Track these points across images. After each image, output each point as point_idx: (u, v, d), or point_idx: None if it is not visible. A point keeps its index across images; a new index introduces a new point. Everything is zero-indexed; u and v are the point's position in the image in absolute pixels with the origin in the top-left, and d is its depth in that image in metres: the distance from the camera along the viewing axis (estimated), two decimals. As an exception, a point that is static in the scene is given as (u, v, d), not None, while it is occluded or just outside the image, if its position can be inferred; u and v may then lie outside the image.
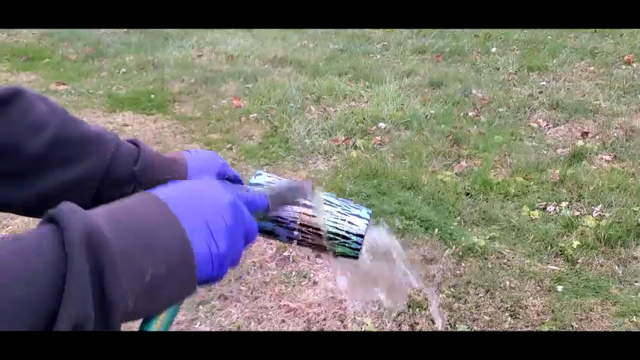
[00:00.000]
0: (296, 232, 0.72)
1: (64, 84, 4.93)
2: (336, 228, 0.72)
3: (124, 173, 0.71)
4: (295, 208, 0.71)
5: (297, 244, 0.73)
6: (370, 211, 0.74)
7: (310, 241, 0.72)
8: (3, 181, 0.65)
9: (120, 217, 0.45)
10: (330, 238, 0.72)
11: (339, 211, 0.73)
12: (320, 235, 0.72)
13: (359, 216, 0.73)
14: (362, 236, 0.72)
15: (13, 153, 0.63)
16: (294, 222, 0.71)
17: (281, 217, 0.71)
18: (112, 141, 0.71)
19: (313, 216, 0.71)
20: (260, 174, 0.78)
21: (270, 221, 0.71)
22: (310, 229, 0.71)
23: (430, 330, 2.06)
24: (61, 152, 0.67)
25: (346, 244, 0.72)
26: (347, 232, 0.71)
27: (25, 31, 7.16)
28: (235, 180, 0.81)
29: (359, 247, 0.72)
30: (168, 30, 6.80)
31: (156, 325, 0.48)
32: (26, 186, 0.65)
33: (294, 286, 2.30)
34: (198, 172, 0.77)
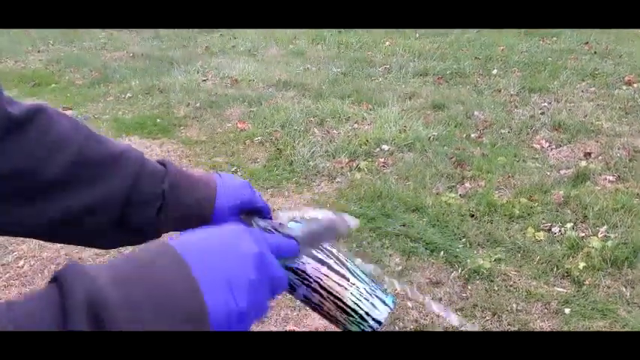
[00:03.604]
0: (316, 295, 0.66)
1: (70, 109, 4.99)
2: (358, 305, 0.66)
3: (148, 193, 0.68)
4: (322, 269, 0.66)
5: (311, 307, 0.69)
6: (395, 300, 0.69)
7: (326, 309, 0.67)
8: (17, 204, 0.62)
9: (129, 276, 0.43)
10: (348, 313, 0.67)
11: (365, 289, 0.67)
12: (338, 306, 0.67)
13: (384, 302, 0.67)
14: (380, 323, 0.67)
15: (30, 176, 0.62)
16: (318, 282, 0.66)
17: (306, 274, 0.66)
18: (136, 159, 0.68)
19: (339, 284, 0.66)
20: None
21: (293, 272, 0.66)
22: (331, 297, 0.66)
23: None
24: (82, 173, 0.64)
25: (360, 325, 0.67)
26: (367, 313, 0.66)
27: (32, 57, 7.26)
28: (264, 211, 0.76)
29: (372, 331, 0.67)
30: (173, 54, 6.89)
31: None
32: (40, 210, 0.63)
33: (299, 310, 2.29)
34: (226, 200, 0.73)
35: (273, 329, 2.19)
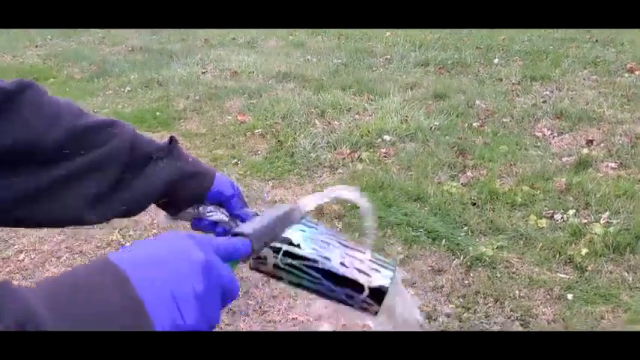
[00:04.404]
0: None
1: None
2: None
3: (148, 147, 0.71)
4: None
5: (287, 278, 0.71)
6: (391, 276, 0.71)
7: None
8: (20, 176, 0.63)
9: (66, 298, 0.39)
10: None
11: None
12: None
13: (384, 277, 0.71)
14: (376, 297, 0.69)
15: (30, 147, 0.62)
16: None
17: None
18: (128, 126, 0.72)
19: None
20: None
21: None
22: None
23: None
24: (81, 140, 0.66)
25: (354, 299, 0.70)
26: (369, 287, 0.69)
27: (29, 52, 7.24)
28: (234, 215, 0.80)
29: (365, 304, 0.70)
30: (172, 47, 6.86)
31: None
32: (40, 180, 0.64)
33: (302, 299, 2.29)
34: (225, 180, 0.79)
35: (277, 319, 2.19)
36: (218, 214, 0.79)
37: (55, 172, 0.64)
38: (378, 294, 0.69)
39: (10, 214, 0.64)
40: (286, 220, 0.67)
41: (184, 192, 0.76)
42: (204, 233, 0.81)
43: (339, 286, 0.69)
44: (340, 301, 0.71)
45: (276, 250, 0.70)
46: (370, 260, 0.72)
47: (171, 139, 0.76)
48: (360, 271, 0.70)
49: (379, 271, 0.71)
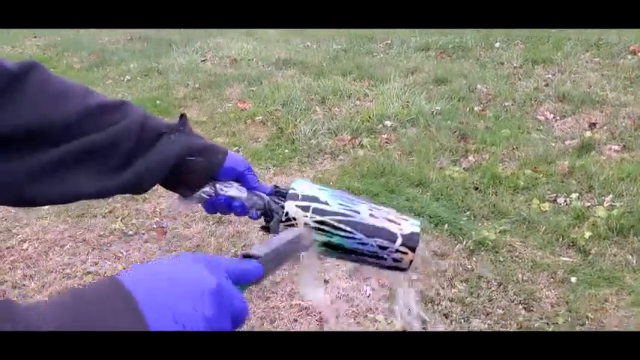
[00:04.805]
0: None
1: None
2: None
3: (160, 124, 0.72)
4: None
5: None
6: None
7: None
8: (36, 151, 0.63)
9: (70, 322, 0.38)
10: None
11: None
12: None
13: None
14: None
15: (40, 127, 0.62)
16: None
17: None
18: (137, 106, 0.72)
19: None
20: (296, 181, 0.76)
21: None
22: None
23: (444, 325, 2.04)
24: (91, 119, 0.66)
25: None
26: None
27: (29, 42, 7.21)
28: (251, 188, 0.78)
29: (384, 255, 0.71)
30: (172, 36, 6.82)
31: None
32: (58, 152, 0.64)
33: (305, 285, 2.29)
34: (238, 156, 0.78)
35: (280, 305, 2.19)
36: (233, 190, 0.77)
37: (67, 148, 0.64)
38: (411, 241, 0.69)
39: (23, 193, 0.64)
40: (299, 243, 0.65)
41: (196, 167, 0.74)
42: (221, 214, 0.80)
43: (372, 237, 0.69)
44: (372, 256, 0.70)
45: (305, 209, 0.70)
46: (396, 213, 0.73)
47: (182, 116, 0.75)
48: (390, 220, 0.70)
49: (408, 220, 0.72)
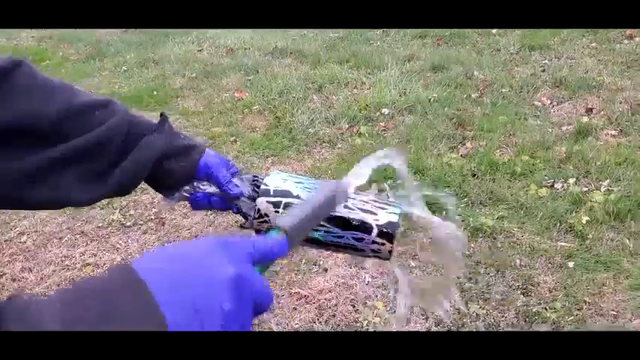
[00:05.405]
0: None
1: (65, 85, 4.94)
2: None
3: (145, 125, 0.71)
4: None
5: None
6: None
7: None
8: (23, 152, 0.62)
9: (82, 316, 0.37)
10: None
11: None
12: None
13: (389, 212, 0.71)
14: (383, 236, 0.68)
15: (29, 124, 0.61)
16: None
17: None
18: (121, 106, 0.72)
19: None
20: (271, 175, 0.74)
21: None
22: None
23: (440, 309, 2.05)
24: (77, 119, 0.65)
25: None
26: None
27: (24, 34, 7.16)
28: (220, 189, 0.78)
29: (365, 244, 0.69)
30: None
31: None
32: (45, 155, 0.63)
33: (304, 273, 2.30)
34: (214, 155, 0.78)
35: (279, 293, 2.20)
36: (212, 187, 0.78)
37: (52, 152, 0.63)
38: (388, 231, 0.67)
39: (10, 195, 0.63)
40: (329, 207, 0.62)
41: (173, 168, 0.75)
42: (204, 210, 0.80)
43: (347, 230, 0.67)
44: (351, 248, 0.68)
45: (277, 205, 0.69)
46: (374, 200, 0.70)
47: (162, 115, 0.75)
48: (365, 211, 0.67)
49: (385, 209, 0.69)
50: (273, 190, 0.71)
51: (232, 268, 0.44)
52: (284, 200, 0.69)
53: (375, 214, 0.67)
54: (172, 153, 0.74)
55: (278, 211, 0.69)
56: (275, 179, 0.73)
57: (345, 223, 0.67)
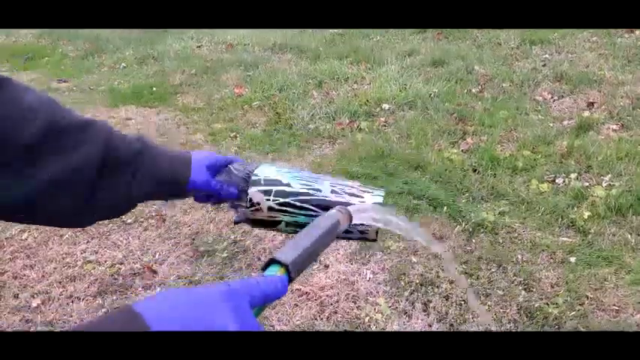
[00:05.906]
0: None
1: (65, 81, 4.93)
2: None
3: (123, 153, 0.68)
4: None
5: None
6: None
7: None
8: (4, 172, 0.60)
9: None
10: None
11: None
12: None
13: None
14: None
15: (6, 139, 0.59)
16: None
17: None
18: (103, 126, 0.68)
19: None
20: (260, 167, 0.76)
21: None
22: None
23: (444, 307, 2.05)
24: (54, 141, 0.63)
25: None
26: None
27: (23, 31, 7.14)
28: (237, 161, 0.80)
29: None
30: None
31: None
32: (17, 180, 0.61)
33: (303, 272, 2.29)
34: (203, 158, 0.76)
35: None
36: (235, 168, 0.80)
37: (32, 179, 0.61)
38: None
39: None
40: (332, 235, 0.59)
41: (164, 194, 0.76)
42: (211, 202, 0.81)
43: None
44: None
45: (267, 193, 0.72)
46: (360, 186, 0.74)
47: (140, 140, 0.72)
48: (352, 194, 0.71)
49: (371, 192, 0.72)
50: (264, 180, 0.74)
51: (233, 323, 0.44)
52: (274, 189, 0.73)
53: (362, 197, 0.71)
54: (159, 184, 0.73)
55: (269, 199, 0.72)
56: (264, 170, 0.76)
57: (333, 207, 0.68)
